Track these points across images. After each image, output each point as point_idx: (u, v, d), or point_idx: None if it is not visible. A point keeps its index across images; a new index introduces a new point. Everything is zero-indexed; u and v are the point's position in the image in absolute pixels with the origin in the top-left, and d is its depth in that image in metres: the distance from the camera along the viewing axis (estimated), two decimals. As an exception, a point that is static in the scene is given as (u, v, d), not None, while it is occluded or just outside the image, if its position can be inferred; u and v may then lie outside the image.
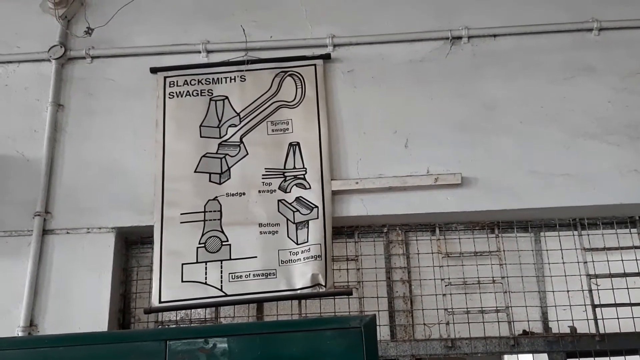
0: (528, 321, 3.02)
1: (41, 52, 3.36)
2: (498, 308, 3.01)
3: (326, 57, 3.30)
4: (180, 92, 3.28)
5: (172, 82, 3.29)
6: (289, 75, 3.28)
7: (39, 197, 3.07)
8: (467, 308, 3.00)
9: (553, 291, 3.05)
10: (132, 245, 3.19)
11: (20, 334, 2.84)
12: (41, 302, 2.93)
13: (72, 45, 3.40)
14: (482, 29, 3.32)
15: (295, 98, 3.23)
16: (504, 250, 3.11)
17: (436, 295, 3.03)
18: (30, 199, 3.08)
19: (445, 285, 3.04)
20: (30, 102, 3.30)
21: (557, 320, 3.04)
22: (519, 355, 3.55)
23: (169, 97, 3.27)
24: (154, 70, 3.31)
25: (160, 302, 2.88)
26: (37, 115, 3.26)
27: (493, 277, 3.06)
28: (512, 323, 2.99)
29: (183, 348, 1.88)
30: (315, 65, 3.29)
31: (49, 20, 3.43)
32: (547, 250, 3.14)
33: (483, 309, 3.00)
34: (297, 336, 1.91)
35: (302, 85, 3.25)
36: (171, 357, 1.87)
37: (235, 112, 3.22)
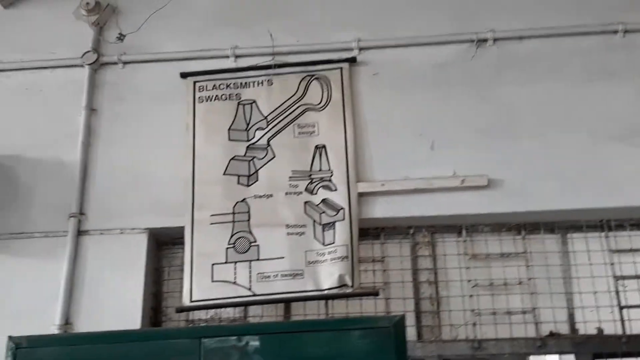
0: (555, 322, 3.02)
1: (75, 58, 3.47)
2: (524, 309, 3.02)
3: (352, 61, 3.35)
4: (209, 96, 3.35)
5: (201, 87, 3.37)
6: (315, 78, 3.33)
7: (73, 199, 3.17)
8: (493, 309, 3.02)
9: (580, 292, 3.06)
10: (163, 245, 3.27)
11: (56, 332, 2.93)
12: (76, 301, 3.02)
13: (105, 51, 3.49)
14: (508, 31, 3.33)
15: (321, 101, 3.28)
16: (530, 252, 3.12)
17: (463, 296, 3.05)
18: (65, 201, 3.18)
19: (472, 287, 3.06)
20: (64, 107, 3.40)
21: (584, 322, 3.04)
22: (545, 357, 3.54)
23: (199, 102, 3.34)
24: (184, 75, 3.38)
25: (191, 301, 2.96)
26: (71, 119, 3.35)
27: (519, 279, 3.07)
28: (538, 324, 3.00)
29: (217, 346, 1.94)
30: (341, 68, 3.34)
31: (82, 27, 3.53)
32: (573, 251, 3.14)
33: (509, 310, 3.02)
34: (327, 335, 1.97)
35: (328, 88, 3.30)
36: (205, 354, 1.93)
37: (263, 115, 3.28)
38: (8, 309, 3.01)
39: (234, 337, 1.93)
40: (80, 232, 3.13)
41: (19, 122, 3.39)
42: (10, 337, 1.99)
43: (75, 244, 3.10)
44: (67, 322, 2.96)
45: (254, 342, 1.92)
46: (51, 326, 2.94)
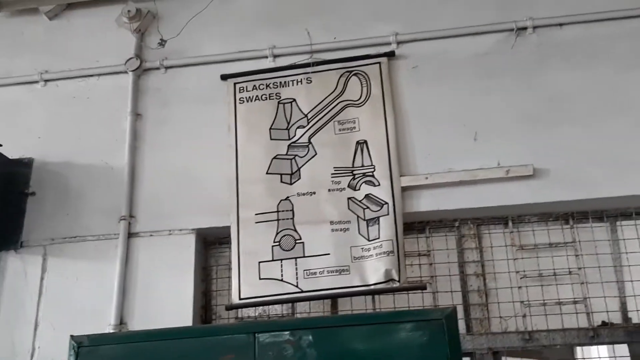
0: (607, 312, 2.96)
1: (119, 65, 3.56)
2: (575, 299, 2.97)
3: (390, 55, 3.35)
4: (249, 97, 3.40)
5: (241, 88, 3.42)
6: (354, 74, 3.34)
7: (123, 203, 3.26)
8: (543, 300, 2.98)
9: (631, 281, 2.99)
10: (211, 245, 3.33)
11: (111, 332, 3.02)
12: (129, 301, 3.10)
13: (147, 57, 3.57)
14: (548, 19, 3.28)
15: (361, 97, 3.29)
16: (579, 241, 3.06)
17: (511, 288, 3.01)
18: (115, 204, 3.27)
19: (521, 278, 3.03)
20: (110, 112, 3.50)
21: (637, 310, 2.97)
22: (593, 347, 3.47)
23: (240, 102, 3.39)
24: (224, 77, 3.44)
25: (240, 298, 3.01)
26: (117, 125, 3.45)
27: (569, 269, 3.02)
28: (590, 314, 2.95)
29: (271, 340, 1.97)
30: (379, 63, 3.34)
31: (125, 34, 3.62)
32: (624, 239, 3.07)
33: (560, 300, 2.97)
34: (378, 329, 1.97)
35: (367, 83, 3.31)
36: (260, 349, 1.96)
37: (303, 113, 3.31)
38: (65, 310, 3.11)
39: (288, 332, 1.96)
40: (130, 235, 3.21)
41: (68, 129, 3.50)
42: (72, 337, 2.06)
43: (127, 246, 3.18)
44: (121, 322, 3.04)
45: (308, 337, 1.94)
46: (107, 326, 3.03)
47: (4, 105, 3.62)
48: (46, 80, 3.62)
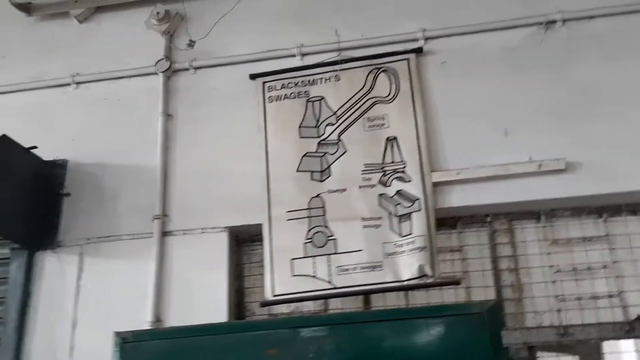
0: (643, 306, 2.94)
1: (148, 67, 3.61)
2: (610, 293, 2.95)
3: (418, 51, 3.35)
4: (278, 95, 3.42)
5: (270, 87, 3.44)
6: (383, 71, 3.35)
7: (156, 202, 3.30)
8: (578, 294, 2.96)
9: (667, 274, 2.96)
10: (242, 243, 3.36)
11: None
12: (165, 299, 3.14)
13: (176, 58, 3.62)
14: (578, 12, 3.25)
15: (389, 93, 3.30)
16: (613, 235, 3.04)
17: (545, 282, 3.00)
18: (148, 204, 3.32)
19: (554, 272, 3.01)
20: (142, 113, 3.55)
21: (673, 304, 2.94)
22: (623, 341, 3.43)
23: (269, 101, 3.42)
24: (253, 77, 3.47)
25: (273, 295, 3.04)
26: (149, 125, 3.49)
27: (603, 262, 3.00)
28: (625, 308, 2.92)
29: (313, 335, 2.00)
30: (407, 59, 3.34)
31: (154, 36, 3.67)
32: (658, 232, 3.04)
33: (595, 294, 2.95)
34: (419, 323, 1.98)
35: (396, 80, 3.31)
36: (302, 344, 1.99)
37: (332, 111, 3.33)
38: (102, 308, 3.16)
39: (329, 326, 1.98)
40: (164, 233, 3.26)
41: (101, 130, 3.55)
42: (116, 333, 2.11)
43: (161, 244, 3.23)
44: (157, 319, 3.09)
45: (349, 331, 1.97)
46: (143, 323, 3.07)
47: (38, 108, 3.69)
48: (78, 83, 3.68)
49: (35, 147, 3.34)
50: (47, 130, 3.59)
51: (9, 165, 3.16)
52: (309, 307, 3.20)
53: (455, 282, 2.95)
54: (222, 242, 3.21)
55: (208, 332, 2.07)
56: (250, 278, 3.32)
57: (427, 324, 1.96)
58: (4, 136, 3.15)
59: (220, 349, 2.01)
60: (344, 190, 3.17)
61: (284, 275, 3.06)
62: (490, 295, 3.03)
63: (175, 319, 3.09)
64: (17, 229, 3.18)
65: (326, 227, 3.11)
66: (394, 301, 3.09)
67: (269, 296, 3.05)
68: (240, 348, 2.00)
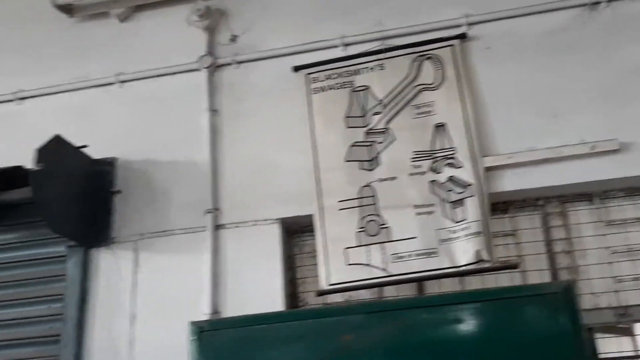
0: (701, 284, 2.93)
1: (191, 63, 3.64)
2: (668, 273, 2.95)
3: (462, 37, 3.34)
4: (323, 87, 3.44)
5: (314, 79, 3.46)
6: (427, 58, 3.35)
7: (208, 196, 3.34)
8: (635, 275, 2.95)
9: None
10: (293, 234, 3.38)
11: (206, 321, 3.11)
12: (221, 291, 3.18)
13: (219, 53, 3.64)
14: (623, -8, 3.23)
15: (435, 80, 3.30)
16: (668, 214, 3.03)
17: (601, 264, 2.99)
18: (199, 198, 3.36)
19: (610, 254, 3.00)
20: (187, 110, 3.58)
21: None
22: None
23: (313, 93, 3.44)
24: (296, 69, 3.49)
25: (329, 284, 3.07)
26: (195, 121, 3.53)
27: (659, 242, 2.99)
28: (684, 288, 2.92)
29: (387, 319, 2.01)
30: (452, 45, 3.34)
31: (195, 32, 3.70)
32: None
33: (653, 274, 2.95)
34: (493, 305, 1.99)
35: (441, 66, 3.31)
36: (377, 328, 2.00)
37: (378, 100, 3.34)
38: (159, 302, 3.21)
39: (403, 310, 2.00)
40: (217, 227, 3.30)
41: (148, 127, 3.59)
42: (192, 323, 2.14)
43: (214, 237, 3.27)
44: (215, 311, 3.13)
45: (420, 315, 1.98)
46: (201, 315, 3.12)
47: (84, 108, 3.74)
48: (122, 82, 3.72)
49: (86, 146, 3.39)
50: (94, 129, 3.64)
51: (62, 164, 3.21)
52: (363, 295, 3.23)
53: (513, 266, 2.95)
54: (274, 234, 3.24)
55: (283, 319, 2.10)
56: (302, 269, 3.35)
57: (501, 305, 1.96)
58: (57, 136, 3.20)
59: (296, 335, 2.03)
60: (394, 178, 3.18)
61: (339, 265, 3.09)
62: (546, 278, 3.03)
63: (232, 310, 3.12)
64: (73, 227, 3.23)
65: (378, 215, 3.13)
66: (449, 288, 3.10)
67: (324, 285, 3.08)
68: (317, 334, 2.02)
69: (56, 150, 3.15)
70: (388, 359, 1.99)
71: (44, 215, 3.02)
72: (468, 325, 1.94)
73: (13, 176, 3.35)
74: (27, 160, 3.34)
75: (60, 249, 3.35)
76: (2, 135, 3.77)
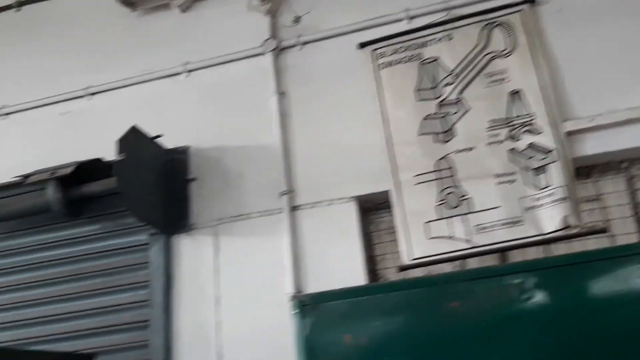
0: None
1: (255, 48, 3.66)
2: None
3: (531, 1, 3.26)
4: (390, 61, 3.41)
5: (381, 54, 3.43)
6: (496, 25, 3.28)
7: (281, 179, 3.36)
8: None
9: None
10: (368, 212, 3.38)
11: (288, 302, 3.13)
12: (302, 271, 3.21)
13: (282, 35, 3.65)
14: (702, -60, 3.09)
15: (507, 47, 3.23)
16: None
17: (694, 224, 2.90)
18: (273, 181, 3.38)
19: None
20: (254, 94, 3.60)
21: None
22: None
23: (381, 68, 3.41)
24: (362, 45, 3.46)
25: (411, 259, 3.05)
26: (263, 105, 3.55)
27: None
28: None
29: (492, 286, 1.99)
30: (521, 11, 3.26)
31: (257, 17, 3.71)
32: None
33: None
34: (614, 263, 1.93)
35: (511, 33, 3.24)
36: (482, 296, 1.98)
37: (449, 70, 3.29)
38: (241, 284, 3.25)
39: (510, 276, 1.97)
40: (293, 208, 3.32)
41: (217, 114, 3.63)
42: (294, 296, 2.18)
43: (291, 218, 3.29)
44: (298, 290, 3.15)
45: (532, 278, 1.95)
46: (284, 296, 3.14)
47: (153, 99, 3.80)
48: (189, 71, 3.77)
49: (160, 136, 3.45)
50: (163, 120, 3.69)
51: (140, 155, 3.28)
52: (445, 269, 3.20)
53: (602, 230, 2.88)
54: (351, 212, 3.24)
55: (385, 290, 2.10)
56: (379, 246, 3.34)
57: (624, 263, 1.89)
58: (134, 127, 3.27)
59: (399, 305, 2.03)
60: (472, 148, 3.14)
61: (420, 239, 3.07)
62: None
63: (314, 290, 3.13)
64: (155, 215, 3.30)
65: (457, 187, 3.09)
66: (533, 256, 3.04)
67: (406, 261, 3.06)
68: (421, 303, 2.02)
69: (134, 141, 3.22)
70: (495, 325, 1.96)
71: (128, 204, 3.09)
72: (571, 288, 1.90)
73: (91, 169, 3.45)
74: (101, 154, 3.45)
75: (142, 237, 3.43)
76: (75, 131, 3.88)
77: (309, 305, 2.10)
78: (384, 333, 2.01)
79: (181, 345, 3.21)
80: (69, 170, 3.26)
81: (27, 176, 3.42)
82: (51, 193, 3.30)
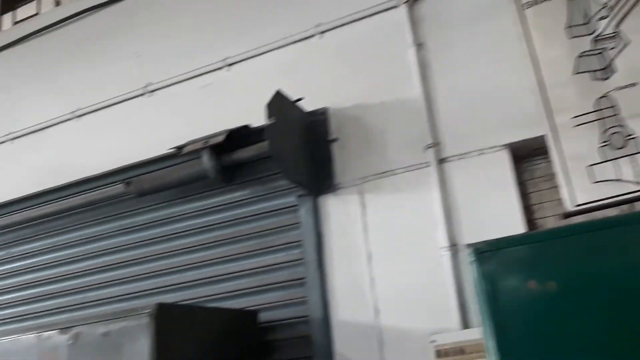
0: None
1: (388, 1, 3.59)
2: None
3: None
4: (534, 0, 3.20)
5: (524, -8, 3.23)
6: (658, -54, 2.96)
7: (426, 132, 3.30)
8: None
9: None
10: (521, 159, 3.23)
11: (444, 255, 3.09)
12: (455, 223, 3.14)
13: (416, -15, 3.55)
14: None
15: (670, -31, 2.92)
16: None
17: None
18: (416, 135, 3.32)
19: None
20: (391, 49, 3.54)
21: None
22: None
23: (525, 8, 3.21)
24: (503, -14, 3.28)
25: (575, 206, 2.89)
26: (401, 58, 3.48)
27: None
28: None
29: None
30: None
31: (386, -30, 3.63)
32: None
33: None
34: None
35: (677, -47, 2.92)
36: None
37: (602, 3, 3.03)
38: (391, 240, 3.24)
39: None
40: (440, 160, 3.25)
41: (354, 73, 3.61)
42: (469, 245, 2.12)
43: (439, 171, 3.23)
44: (453, 243, 3.10)
45: None
46: (437, 249, 3.11)
47: (288, 64, 3.84)
48: (322, 32, 3.77)
49: (302, 99, 3.49)
50: (301, 83, 3.70)
51: (286, 118, 3.34)
52: (610, 214, 3.00)
53: None
54: (503, 160, 3.12)
55: (564, 234, 1.99)
56: (535, 194, 3.19)
57: None
58: (279, 92, 3.33)
59: (587, 249, 1.92)
60: (635, 84, 2.89)
61: (583, 184, 2.89)
62: None
63: (469, 241, 3.07)
64: (303, 177, 3.37)
65: (622, 126, 2.87)
66: None
67: (569, 207, 2.90)
68: (612, 245, 1.89)
69: (280, 105, 3.28)
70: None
71: (282, 166, 3.17)
72: None
73: (238, 136, 3.57)
74: (242, 122, 3.56)
75: (291, 199, 3.51)
76: (216, 101, 4.03)
77: (487, 252, 2.04)
78: (572, 278, 1.91)
79: (338, 301, 3.28)
80: (220, 138, 3.40)
81: (181, 147, 3.61)
82: (206, 161, 3.45)
